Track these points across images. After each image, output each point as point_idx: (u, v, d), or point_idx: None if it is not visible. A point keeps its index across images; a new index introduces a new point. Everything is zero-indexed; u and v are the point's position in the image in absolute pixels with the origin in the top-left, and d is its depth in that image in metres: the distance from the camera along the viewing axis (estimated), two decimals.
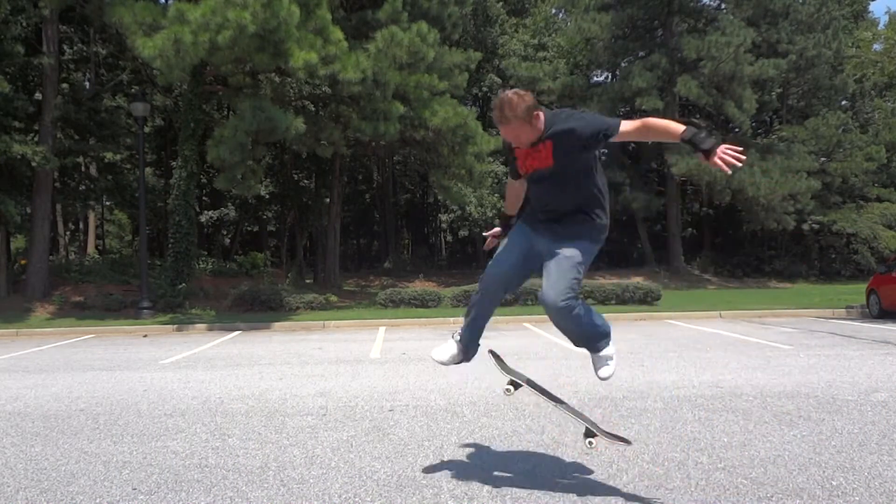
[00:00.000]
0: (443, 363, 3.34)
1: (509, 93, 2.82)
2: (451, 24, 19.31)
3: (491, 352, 3.49)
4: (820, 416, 4.49)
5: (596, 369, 3.27)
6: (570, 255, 2.99)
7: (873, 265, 24.28)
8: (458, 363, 3.37)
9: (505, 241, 3.27)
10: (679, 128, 2.75)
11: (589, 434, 3.16)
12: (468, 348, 3.35)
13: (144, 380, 6.67)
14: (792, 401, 5.01)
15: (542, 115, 2.84)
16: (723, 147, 2.64)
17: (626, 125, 2.83)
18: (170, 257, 15.87)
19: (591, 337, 3.21)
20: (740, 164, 2.63)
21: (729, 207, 28.27)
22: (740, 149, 2.65)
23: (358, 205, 33.89)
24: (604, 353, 3.29)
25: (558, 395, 3.46)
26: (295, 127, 14.16)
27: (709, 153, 2.66)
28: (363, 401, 5.33)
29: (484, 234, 3.29)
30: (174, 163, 21.21)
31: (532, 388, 3.30)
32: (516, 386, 3.30)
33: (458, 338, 3.34)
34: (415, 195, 35.09)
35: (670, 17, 26.24)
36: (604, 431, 3.25)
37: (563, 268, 2.97)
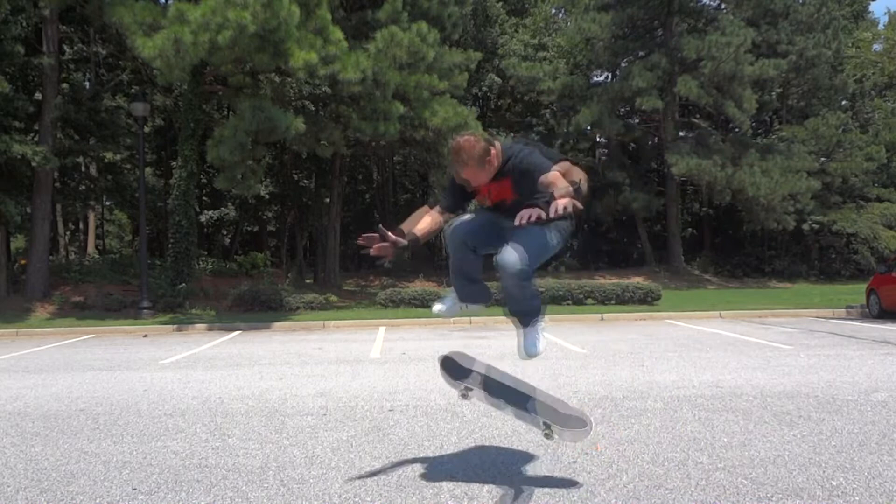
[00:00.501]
0: (439, 311, 3.40)
1: (463, 138, 2.85)
2: (451, 24, 19.29)
3: (443, 362, 3.44)
4: (820, 416, 4.49)
5: (527, 345, 3.25)
6: (538, 230, 3.02)
7: (873, 265, 24.27)
8: (462, 308, 3.45)
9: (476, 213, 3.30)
10: (576, 176, 2.80)
11: (546, 427, 3.19)
12: (473, 297, 3.44)
13: (144, 380, 6.67)
14: (792, 401, 5.01)
15: (495, 153, 2.89)
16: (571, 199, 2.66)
17: (559, 167, 2.85)
18: (170, 257, 15.88)
19: (531, 310, 3.23)
20: (570, 211, 2.69)
21: (729, 207, 28.27)
22: (580, 209, 2.74)
23: (358, 205, 33.88)
24: (538, 326, 3.28)
25: (524, 390, 3.34)
26: (295, 127, 14.16)
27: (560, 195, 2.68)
28: (363, 401, 5.33)
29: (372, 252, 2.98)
30: (174, 163, 21.24)
31: (487, 391, 3.30)
32: (469, 391, 3.29)
33: (453, 296, 3.42)
34: (415, 195, 35.06)
35: (670, 17, 26.23)
36: (567, 418, 3.21)
37: (530, 235, 2.99)
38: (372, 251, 2.98)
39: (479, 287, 3.44)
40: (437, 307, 3.43)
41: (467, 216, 3.24)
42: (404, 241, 3.01)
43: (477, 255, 3.30)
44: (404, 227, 3.11)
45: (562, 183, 2.69)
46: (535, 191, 2.84)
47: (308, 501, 3.06)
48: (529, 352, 3.26)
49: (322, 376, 6.66)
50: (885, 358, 7.24)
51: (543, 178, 2.73)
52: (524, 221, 2.70)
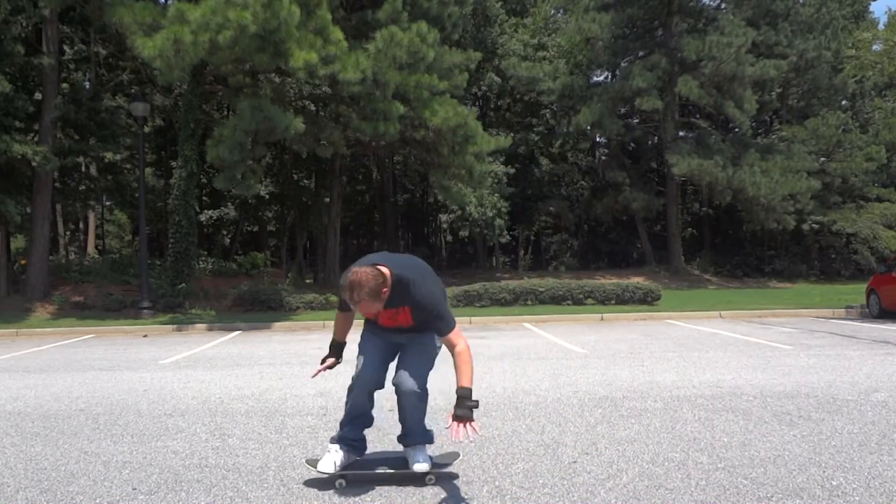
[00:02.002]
0: (330, 472, 3.23)
1: (359, 274, 2.90)
2: (451, 24, 19.30)
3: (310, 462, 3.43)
4: (820, 416, 4.49)
5: (411, 462, 3.29)
6: (427, 344, 3.27)
7: (873, 265, 24.29)
8: (352, 459, 3.33)
9: (364, 346, 3.36)
10: (465, 381, 2.99)
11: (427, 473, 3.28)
12: (356, 446, 3.36)
13: (144, 380, 6.67)
14: (792, 401, 5.01)
15: (386, 289, 2.98)
16: (471, 423, 2.86)
17: (450, 338, 3.09)
18: (170, 257, 15.87)
19: (421, 430, 3.33)
20: (470, 440, 2.98)
21: (729, 207, 28.26)
22: (479, 432, 3.13)
23: (358, 205, 33.89)
24: (422, 449, 3.32)
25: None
26: (294, 127, 14.16)
27: (457, 417, 2.88)
28: None
29: (313, 374, 3.40)
30: (174, 163, 21.23)
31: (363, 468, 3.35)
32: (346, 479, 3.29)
33: (339, 442, 3.31)
34: (415, 195, 35.09)
35: (670, 17, 26.23)
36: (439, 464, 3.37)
37: (421, 357, 3.26)
38: (320, 370, 3.33)
39: (370, 421, 3.41)
40: (324, 467, 3.24)
41: (367, 361, 3.29)
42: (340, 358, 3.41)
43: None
44: (340, 338, 3.41)
45: (465, 396, 2.94)
46: (430, 326, 3.13)
47: (308, 501, 3.06)
48: (415, 467, 3.27)
49: (322, 376, 6.64)
50: (885, 358, 7.24)
51: (458, 383, 2.97)
52: (460, 438, 2.85)
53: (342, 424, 3.35)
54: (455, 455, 3.55)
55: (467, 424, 2.87)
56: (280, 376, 6.69)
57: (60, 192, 20.51)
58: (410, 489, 3.18)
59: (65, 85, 18.32)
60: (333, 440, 3.34)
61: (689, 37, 24.67)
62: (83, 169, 23.06)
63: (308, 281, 23.43)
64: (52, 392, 6.04)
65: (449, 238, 32.90)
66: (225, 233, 32.40)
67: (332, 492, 3.17)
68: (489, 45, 27.35)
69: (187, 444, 4.08)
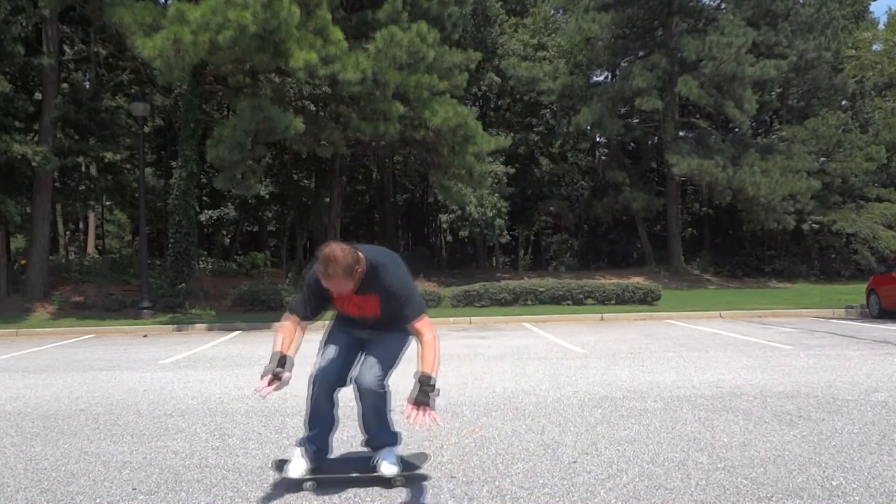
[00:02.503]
0: (297, 476, 3.19)
1: (334, 249, 2.87)
2: (451, 24, 19.30)
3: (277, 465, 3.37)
4: (820, 416, 4.49)
5: (378, 465, 3.26)
6: (389, 344, 3.24)
7: (873, 265, 24.28)
8: (318, 463, 3.28)
9: (329, 340, 3.31)
10: (428, 368, 2.97)
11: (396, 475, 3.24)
12: (322, 447, 3.31)
13: (144, 380, 6.66)
14: (792, 401, 5.01)
15: (360, 269, 2.95)
16: (429, 410, 2.87)
17: (417, 327, 3.08)
18: (170, 257, 15.87)
19: (385, 434, 3.31)
20: (427, 429, 3.00)
21: (729, 207, 28.26)
22: (439, 423, 3.00)
23: (358, 205, 33.89)
24: (388, 451, 3.30)
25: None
26: (294, 127, 14.16)
27: (416, 403, 2.89)
28: None
29: (258, 388, 3.01)
30: (174, 163, 21.22)
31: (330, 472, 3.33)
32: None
33: (304, 446, 3.26)
34: (415, 195, 35.08)
35: (670, 17, 26.23)
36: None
37: (381, 356, 3.20)
38: (264, 392, 3.01)
39: (333, 424, 3.34)
40: (294, 473, 3.19)
41: (330, 354, 3.24)
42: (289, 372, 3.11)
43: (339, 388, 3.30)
44: (285, 349, 3.12)
45: (425, 383, 2.93)
46: (398, 316, 3.10)
47: (308, 501, 3.06)
48: (381, 470, 3.24)
49: None
50: (885, 358, 7.24)
51: (420, 368, 2.96)
52: (418, 424, 2.86)
53: (307, 424, 3.29)
54: (424, 456, 3.51)
55: (427, 412, 2.85)
56: None
57: (60, 192, 20.51)
58: (410, 489, 3.18)
59: (65, 85, 18.32)
60: (300, 443, 3.30)
61: (689, 37, 24.67)
62: (83, 169, 23.07)
63: None
64: (52, 392, 6.04)
65: (449, 238, 32.87)
66: (225, 233, 32.40)
67: (332, 492, 3.17)
68: (489, 45, 27.34)
69: (187, 444, 4.08)
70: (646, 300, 15.23)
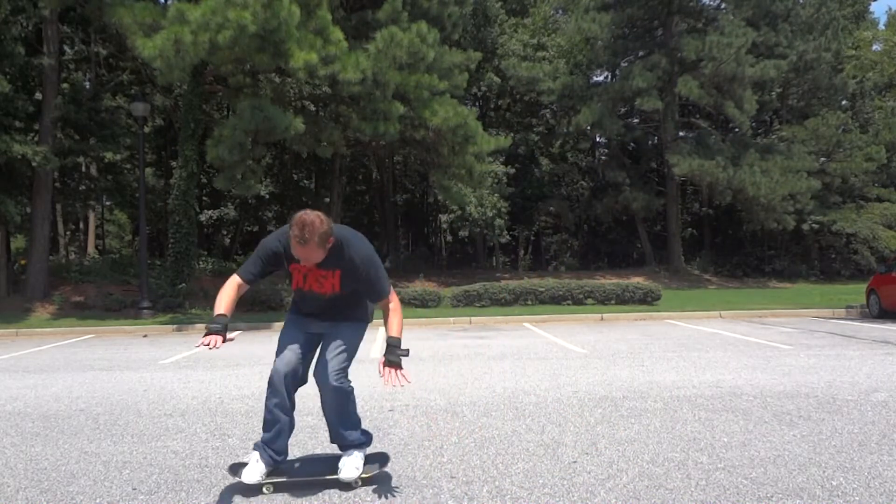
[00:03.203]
0: (255, 482, 3.11)
1: (311, 216, 2.87)
2: (451, 24, 19.31)
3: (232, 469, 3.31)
4: (820, 416, 4.49)
5: (340, 468, 3.22)
6: (346, 337, 3.22)
7: (873, 265, 24.28)
8: (276, 466, 3.21)
9: (285, 339, 3.23)
10: (394, 332, 3.15)
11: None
12: (281, 450, 3.22)
13: (144, 380, 6.66)
14: (792, 401, 5.01)
15: (333, 240, 2.96)
16: (401, 370, 3.05)
17: (383, 302, 3.19)
18: (170, 257, 15.87)
19: (350, 431, 3.26)
20: (401, 386, 3.07)
21: (729, 207, 28.25)
22: (409, 380, 3.14)
23: (358, 205, 33.88)
24: (352, 454, 3.26)
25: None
26: (294, 127, 14.16)
27: (389, 363, 3.04)
28: (363, 401, 5.33)
29: (204, 342, 2.88)
30: (174, 163, 21.20)
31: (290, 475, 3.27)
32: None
33: (260, 450, 3.17)
34: (415, 195, 35.08)
35: (670, 17, 26.22)
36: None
37: (339, 352, 3.18)
38: (212, 345, 2.92)
39: (292, 426, 3.26)
40: (249, 477, 3.10)
41: (287, 355, 3.15)
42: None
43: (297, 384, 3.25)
44: (224, 310, 3.04)
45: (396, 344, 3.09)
46: (355, 287, 3.12)
47: (308, 501, 3.06)
48: (340, 474, 3.19)
49: None
50: (885, 358, 7.24)
51: (388, 333, 3.10)
52: (392, 384, 3.00)
53: (265, 427, 3.19)
54: (385, 457, 3.46)
55: (398, 372, 2.99)
56: None
57: (60, 192, 20.52)
58: (410, 489, 3.18)
59: (65, 85, 18.32)
60: (256, 446, 3.21)
61: (689, 37, 24.66)
62: (83, 169, 23.06)
63: None
64: (52, 392, 6.04)
65: (449, 238, 32.87)
66: (225, 233, 32.38)
67: (332, 492, 3.17)
68: (489, 45, 27.33)
69: (187, 444, 4.08)
70: (646, 300, 15.23)
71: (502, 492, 3.12)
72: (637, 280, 19.76)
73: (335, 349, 3.18)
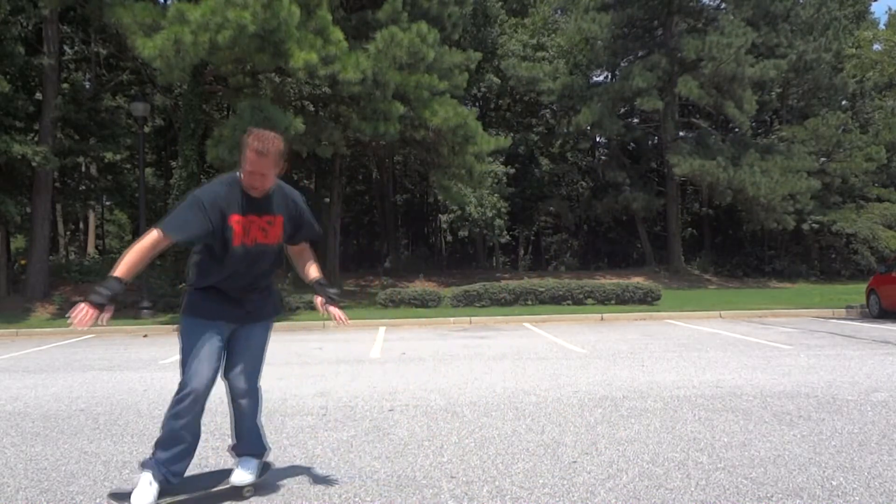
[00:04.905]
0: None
1: (267, 131, 2.83)
2: (451, 24, 19.30)
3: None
4: (820, 416, 4.49)
5: (235, 474, 3.07)
6: (260, 339, 3.12)
7: (873, 265, 24.28)
8: (166, 488, 2.86)
9: (199, 335, 2.87)
10: (318, 274, 3.18)
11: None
12: (182, 470, 2.91)
13: (144, 380, 6.66)
14: (792, 401, 5.01)
15: (284, 164, 2.88)
16: (339, 306, 3.10)
17: (303, 246, 3.23)
18: (170, 257, 15.86)
19: (257, 438, 3.16)
20: (347, 324, 3.11)
21: (729, 207, 28.26)
22: (346, 322, 3.11)
23: (358, 205, 33.88)
24: (250, 460, 3.12)
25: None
26: (294, 127, 14.15)
27: (331, 301, 3.07)
28: (363, 401, 5.33)
29: (73, 316, 2.65)
30: (174, 163, 21.23)
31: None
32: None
33: (154, 469, 2.82)
34: (415, 195, 35.08)
35: (670, 17, 26.23)
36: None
37: (254, 354, 3.09)
38: (86, 322, 2.69)
39: (194, 448, 2.96)
40: (142, 500, 2.76)
41: (199, 369, 2.81)
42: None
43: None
44: (124, 273, 2.76)
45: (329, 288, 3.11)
46: (291, 238, 3.09)
47: (308, 501, 3.06)
48: (233, 478, 3.05)
49: (322, 376, 6.66)
50: (885, 358, 7.24)
51: (315, 275, 3.14)
52: (338, 319, 3.03)
53: (165, 444, 2.84)
54: (268, 466, 3.29)
55: (335, 307, 3.03)
56: (280, 376, 6.69)
57: (60, 192, 20.53)
58: (410, 489, 3.18)
59: (65, 85, 18.33)
60: (147, 466, 2.84)
61: (689, 37, 24.67)
62: (83, 169, 23.09)
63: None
64: (52, 392, 6.04)
65: (449, 238, 32.87)
66: None
67: (331, 492, 3.17)
68: (489, 46, 27.34)
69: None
70: (646, 300, 15.23)
71: (502, 492, 3.12)
72: (637, 280, 19.76)
73: (249, 359, 3.05)
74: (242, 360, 3.05)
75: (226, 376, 3.06)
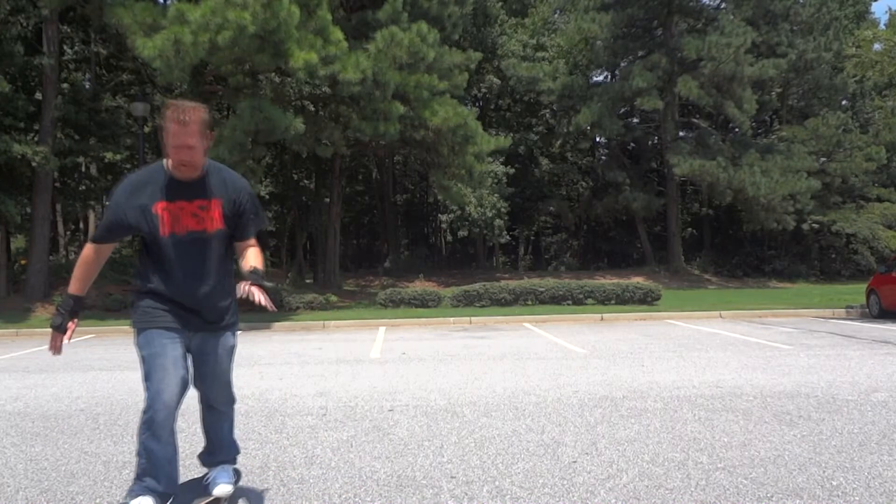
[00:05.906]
0: None
1: (186, 101, 2.58)
2: (451, 24, 19.30)
3: None
4: (820, 416, 4.49)
5: (213, 483, 2.92)
6: (226, 348, 2.91)
7: (873, 265, 24.29)
8: None
9: (157, 345, 2.65)
10: (259, 264, 2.74)
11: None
12: (174, 489, 2.65)
13: None
14: (792, 401, 5.01)
15: (213, 136, 2.66)
16: (265, 293, 2.59)
17: (249, 242, 2.81)
18: None
19: (231, 444, 3.07)
20: (272, 309, 2.64)
21: (729, 207, 28.28)
22: (273, 308, 2.66)
23: (358, 205, 33.90)
24: (227, 469, 3.02)
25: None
26: (294, 127, 14.16)
27: (256, 283, 2.58)
28: (363, 401, 5.33)
29: (52, 349, 2.68)
30: None
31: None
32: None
33: (144, 495, 2.54)
34: (415, 195, 35.10)
35: (670, 17, 26.24)
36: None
37: (223, 366, 2.92)
38: (56, 348, 2.71)
39: (177, 463, 2.71)
40: None
41: (170, 392, 2.60)
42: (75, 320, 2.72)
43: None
44: (77, 290, 2.71)
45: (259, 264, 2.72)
46: (233, 223, 2.73)
47: (308, 501, 3.06)
48: (216, 490, 2.90)
49: (322, 376, 6.66)
50: (885, 358, 7.24)
51: (252, 264, 2.69)
52: (259, 300, 2.55)
53: (146, 475, 2.57)
54: (238, 473, 3.15)
55: (261, 291, 2.55)
56: (280, 376, 6.69)
57: (60, 192, 20.51)
58: (410, 489, 3.18)
59: (65, 85, 18.33)
60: (135, 493, 2.55)
61: (689, 37, 24.69)
62: (83, 169, 23.07)
63: (308, 281, 23.44)
64: (52, 392, 6.04)
65: (449, 238, 32.89)
66: None
67: (331, 492, 3.17)
68: (489, 45, 27.35)
69: (187, 444, 4.07)
70: (646, 300, 15.23)
71: (502, 492, 3.12)
72: (637, 280, 19.76)
73: (219, 359, 2.88)
74: (210, 372, 2.89)
75: (195, 386, 2.90)
